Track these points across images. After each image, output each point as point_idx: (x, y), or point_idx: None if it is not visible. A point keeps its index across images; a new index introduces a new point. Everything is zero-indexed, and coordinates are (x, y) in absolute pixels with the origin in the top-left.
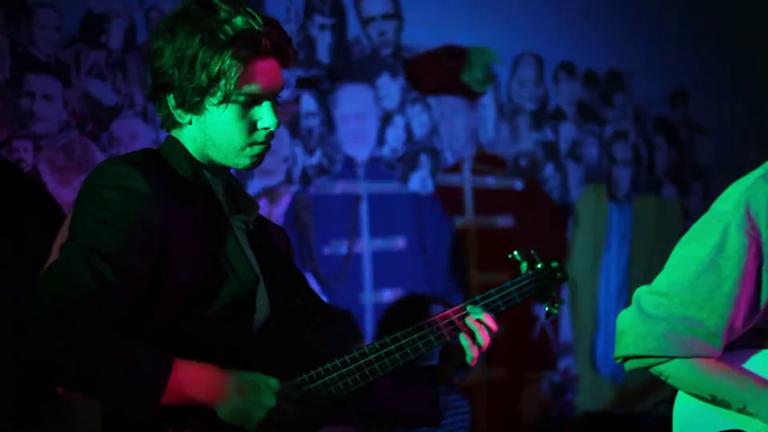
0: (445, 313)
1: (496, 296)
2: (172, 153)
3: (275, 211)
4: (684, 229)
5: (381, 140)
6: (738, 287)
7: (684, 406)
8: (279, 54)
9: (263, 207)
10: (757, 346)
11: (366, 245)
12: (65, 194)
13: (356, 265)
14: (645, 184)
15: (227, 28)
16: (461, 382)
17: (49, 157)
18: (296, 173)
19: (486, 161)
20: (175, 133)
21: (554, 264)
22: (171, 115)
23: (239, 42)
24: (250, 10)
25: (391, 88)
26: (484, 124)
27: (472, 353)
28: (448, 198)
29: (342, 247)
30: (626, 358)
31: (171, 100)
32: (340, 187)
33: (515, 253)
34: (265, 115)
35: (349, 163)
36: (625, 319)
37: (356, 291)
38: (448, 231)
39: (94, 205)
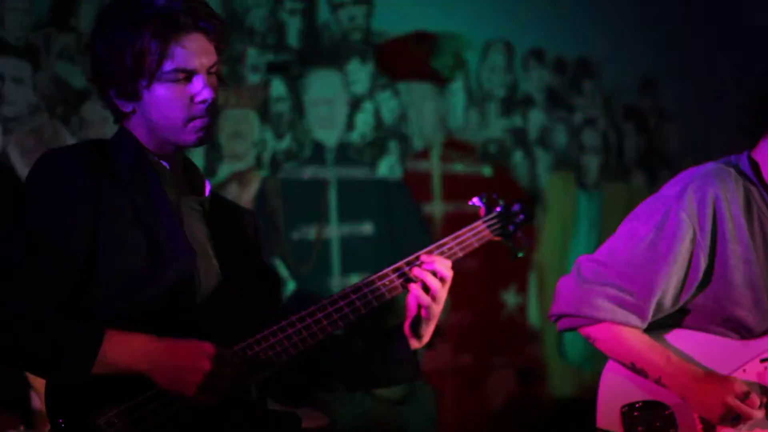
0: (397, 264)
1: (452, 243)
2: (116, 142)
3: (244, 196)
4: None
5: (350, 126)
6: (669, 267)
7: (611, 373)
8: (203, 28)
9: (232, 191)
10: (676, 325)
11: (334, 231)
12: None
13: (325, 250)
14: (614, 172)
15: (146, 10)
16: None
17: (19, 140)
18: (266, 158)
19: (455, 147)
20: (125, 124)
21: (517, 205)
22: (116, 106)
23: (158, 20)
24: None
25: (360, 73)
26: (454, 110)
27: (422, 302)
28: (416, 184)
29: (310, 233)
30: (560, 317)
31: (111, 91)
32: (309, 173)
33: (475, 199)
34: (198, 89)
35: (319, 148)
36: (563, 282)
37: (324, 276)
38: (417, 217)
39: (31, 191)
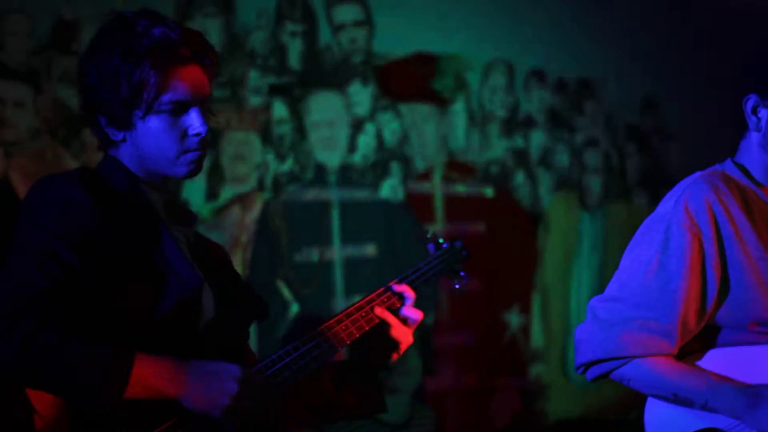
0: (370, 296)
1: (413, 276)
2: (109, 170)
3: (246, 218)
4: None
5: (352, 147)
6: (685, 282)
7: (655, 410)
8: (200, 61)
9: (234, 214)
10: (707, 346)
11: (337, 252)
12: None
13: (327, 272)
14: (616, 192)
15: (144, 40)
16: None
17: (21, 164)
18: (268, 180)
19: (457, 169)
20: (112, 152)
21: (457, 243)
22: (105, 134)
23: (156, 52)
24: (169, 21)
25: (362, 95)
26: (455, 131)
27: (401, 330)
28: (418, 205)
29: (313, 254)
30: (587, 366)
31: (101, 119)
32: (311, 195)
33: (423, 237)
34: (193, 122)
35: (321, 170)
36: (582, 330)
37: (328, 297)
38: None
39: (38, 215)
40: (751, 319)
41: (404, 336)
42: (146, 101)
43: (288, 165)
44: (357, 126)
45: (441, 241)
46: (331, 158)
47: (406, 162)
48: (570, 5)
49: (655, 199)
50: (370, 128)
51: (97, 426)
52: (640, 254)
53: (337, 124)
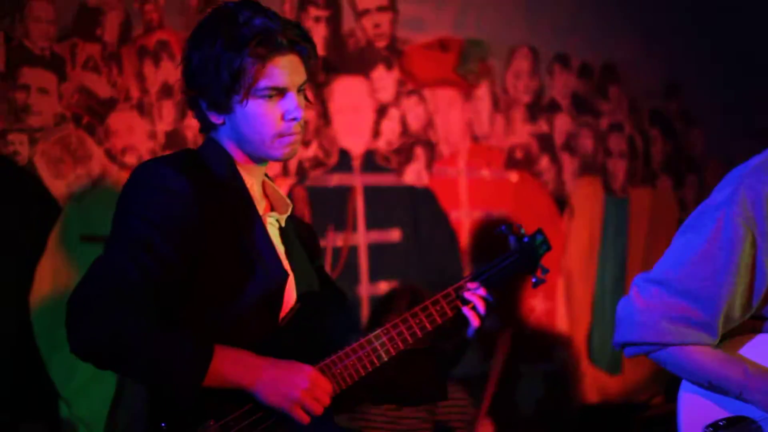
0: (446, 291)
1: (489, 273)
2: (209, 153)
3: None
4: (679, 221)
5: (376, 133)
6: (733, 278)
7: (688, 394)
8: (298, 50)
9: None
10: (753, 331)
11: (362, 237)
12: (61, 187)
13: (352, 257)
14: (640, 176)
15: (245, 29)
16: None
17: (45, 150)
18: (292, 166)
19: (481, 154)
20: (213, 134)
21: (538, 236)
22: (206, 118)
23: (256, 40)
24: (269, 12)
25: (386, 80)
26: (479, 116)
27: (473, 324)
28: (443, 190)
29: (338, 240)
30: (624, 345)
31: (203, 103)
32: (335, 180)
33: (502, 228)
34: (289, 107)
35: (345, 155)
36: (623, 306)
37: (352, 283)
38: (444, 224)
39: (136, 203)
40: None
41: (475, 324)
42: (244, 87)
43: (312, 150)
44: (381, 111)
45: (522, 233)
46: (356, 144)
47: (430, 147)
48: None
49: (679, 184)
50: (394, 113)
51: (175, 409)
52: (692, 240)
53: (361, 110)
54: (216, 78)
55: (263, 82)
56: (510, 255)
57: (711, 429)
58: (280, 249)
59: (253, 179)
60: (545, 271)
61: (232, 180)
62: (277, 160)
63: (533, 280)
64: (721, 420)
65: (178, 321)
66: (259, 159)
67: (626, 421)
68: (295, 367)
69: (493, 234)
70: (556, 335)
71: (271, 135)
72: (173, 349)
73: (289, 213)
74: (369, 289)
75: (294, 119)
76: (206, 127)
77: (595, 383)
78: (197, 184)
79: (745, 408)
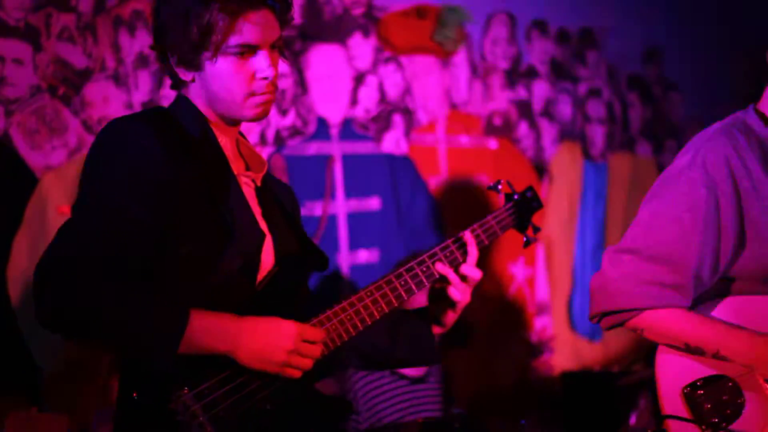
0: (432, 250)
1: (480, 230)
2: (181, 111)
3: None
4: None
5: (354, 101)
6: (699, 237)
7: (666, 357)
8: (271, 5)
9: None
10: (722, 294)
11: (341, 206)
12: (37, 159)
13: (331, 226)
14: (619, 142)
15: None
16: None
17: (21, 121)
18: (270, 135)
19: (459, 121)
20: (184, 92)
21: (528, 193)
22: (175, 74)
23: None
24: None
25: (363, 48)
26: (457, 83)
27: (475, 277)
28: (422, 158)
29: (317, 208)
30: (601, 316)
31: (171, 59)
32: (313, 148)
33: (492, 185)
34: (260, 65)
35: (323, 123)
36: (596, 279)
37: (332, 252)
38: (423, 191)
39: (105, 163)
40: (766, 272)
41: (462, 295)
42: (214, 43)
43: (290, 119)
44: (358, 79)
45: (513, 189)
46: (333, 112)
47: (408, 114)
48: None
49: (658, 150)
50: (371, 81)
51: (147, 378)
52: (657, 207)
53: (338, 77)
54: (184, 33)
55: (234, 39)
56: (503, 211)
57: (689, 389)
58: (257, 210)
59: (226, 138)
60: (536, 229)
61: (204, 138)
62: (248, 120)
63: (524, 239)
64: (698, 380)
65: (151, 286)
66: (230, 119)
67: (607, 388)
68: (275, 328)
69: (471, 201)
70: (537, 302)
71: (242, 94)
72: (146, 315)
73: (264, 172)
74: (349, 257)
75: (266, 78)
76: (176, 84)
77: (576, 350)
78: (169, 142)
79: (720, 366)
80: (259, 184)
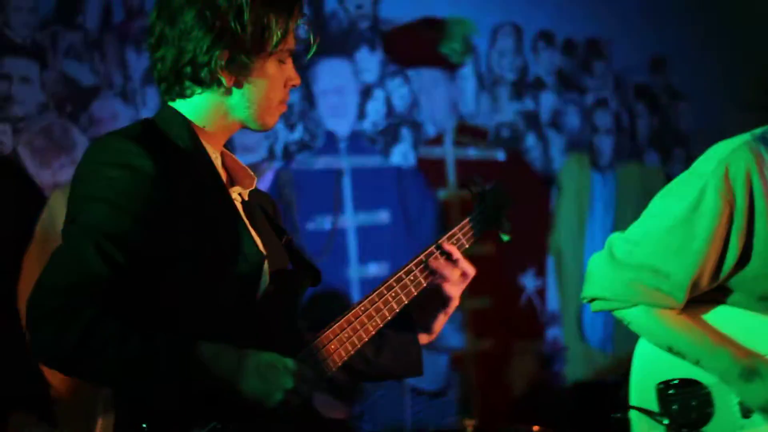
0: (416, 258)
1: (459, 233)
2: (169, 124)
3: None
4: None
5: (361, 114)
6: (707, 246)
7: (644, 350)
8: (304, 13)
9: None
10: (714, 302)
11: (350, 220)
12: (45, 176)
13: (341, 239)
14: (627, 152)
15: None
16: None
17: (29, 139)
18: (278, 149)
19: (467, 133)
20: (179, 101)
21: (490, 187)
22: (201, 80)
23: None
24: None
25: (370, 61)
26: (464, 95)
27: (469, 273)
28: (430, 171)
29: (326, 222)
30: (592, 299)
31: (216, 60)
32: (322, 163)
33: (467, 188)
34: (292, 73)
35: (331, 138)
36: (596, 261)
37: (342, 265)
38: (432, 203)
39: (96, 184)
40: (763, 292)
41: (449, 299)
42: (269, 45)
43: (298, 133)
44: (366, 92)
45: (481, 188)
46: (341, 125)
47: (416, 127)
48: None
49: (666, 159)
50: (378, 94)
51: (143, 417)
52: (671, 205)
53: (345, 91)
54: (240, 33)
55: (282, 45)
56: (475, 216)
57: (662, 386)
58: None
59: (216, 152)
60: (508, 225)
61: (196, 153)
62: (267, 129)
63: (500, 236)
64: (674, 380)
65: (151, 310)
66: (244, 127)
67: (618, 398)
68: (279, 365)
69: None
70: (548, 313)
71: (278, 100)
72: (148, 357)
73: (253, 187)
74: (359, 271)
75: (295, 86)
76: (177, 93)
77: (588, 361)
78: (161, 159)
79: (698, 373)
80: (246, 198)
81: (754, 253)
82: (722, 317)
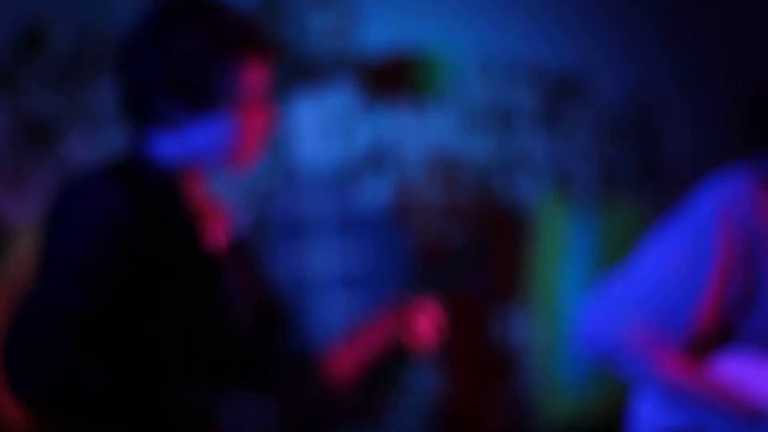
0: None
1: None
2: (144, 162)
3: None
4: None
5: (335, 147)
6: (708, 294)
7: (646, 395)
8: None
9: None
10: (725, 350)
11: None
12: (11, 206)
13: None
14: (607, 190)
15: (233, 28)
16: None
17: None
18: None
19: (441, 168)
20: (155, 137)
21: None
22: (165, 118)
23: (244, 41)
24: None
25: (344, 94)
26: (439, 132)
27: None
28: (404, 208)
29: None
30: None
31: (175, 101)
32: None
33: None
34: (269, 113)
35: (307, 168)
36: (590, 309)
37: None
38: (404, 247)
39: (71, 227)
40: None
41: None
42: (235, 89)
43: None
44: (341, 125)
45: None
46: (316, 157)
47: (390, 166)
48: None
49: (649, 197)
50: (353, 127)
51: None
52: (670, 251)
53: (320, 123)
54: (205, 73)
55: (246, 85)
56: None
57: None
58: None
59: (195, 188)
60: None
61: (171, 193)
62: (240, 170)
63: None
64: (677, 429)
65: (129, 354)
66: (219, 168)
67: None
68: (254, 411)
69: (449, 259)
70: (524, 355)
71: (254, 143)
72: (128, 403)
73: (227, 223)
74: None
75: (272, 127)
76: (153, 129)
77: (566, 404)
78: (137, 201)
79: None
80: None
81: (761, 297)
82: (731, 366)
